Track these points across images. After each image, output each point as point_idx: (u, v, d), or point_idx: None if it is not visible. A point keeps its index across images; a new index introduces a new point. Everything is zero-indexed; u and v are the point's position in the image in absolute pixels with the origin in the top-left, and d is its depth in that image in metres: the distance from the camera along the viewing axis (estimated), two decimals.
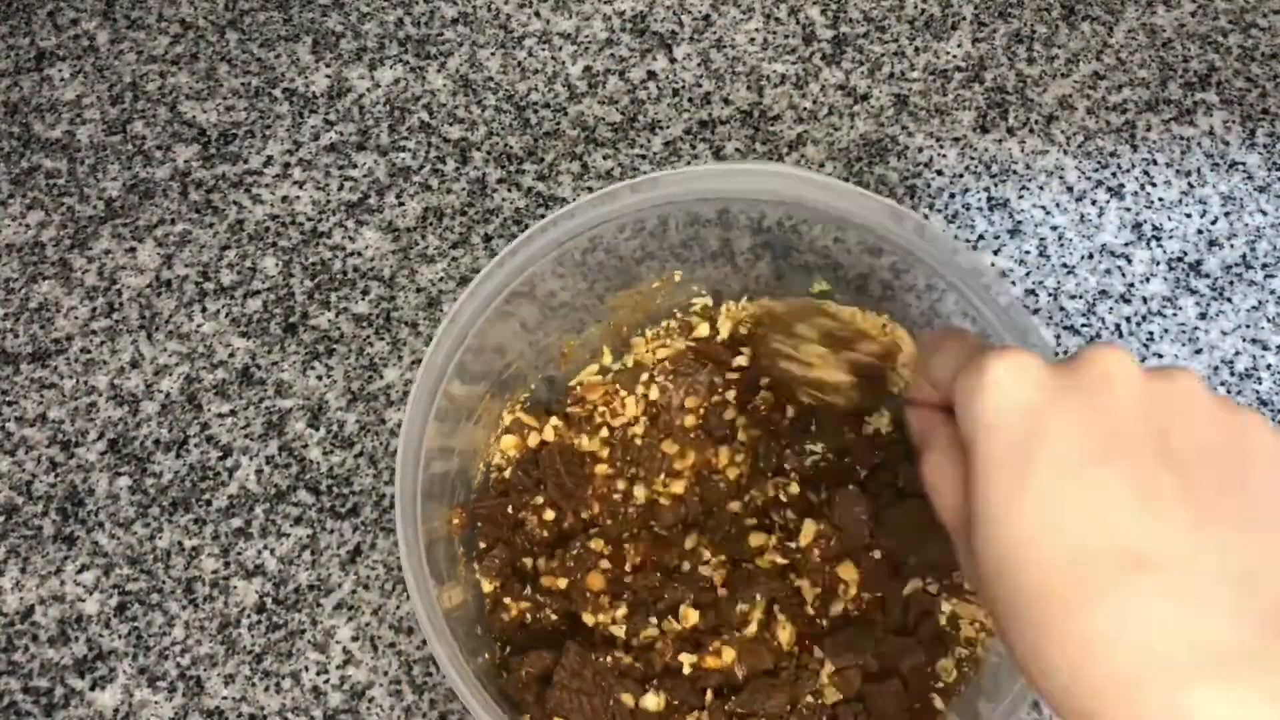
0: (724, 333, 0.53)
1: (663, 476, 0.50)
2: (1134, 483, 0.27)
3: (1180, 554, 0.26)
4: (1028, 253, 0.61)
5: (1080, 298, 0.60)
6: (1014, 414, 0.28)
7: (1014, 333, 0.44)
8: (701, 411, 0.51)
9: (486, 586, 0.48)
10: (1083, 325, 0.59)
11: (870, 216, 0.46)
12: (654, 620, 0.46)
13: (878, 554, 0.47)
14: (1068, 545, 0.27)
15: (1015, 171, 0.63)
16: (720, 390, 0.51)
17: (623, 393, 0.52)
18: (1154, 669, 0.25)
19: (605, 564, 0.48)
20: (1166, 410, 0.28)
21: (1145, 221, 0.62)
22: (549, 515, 0.49)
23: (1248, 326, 0.59)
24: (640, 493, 0.49)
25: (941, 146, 0.63)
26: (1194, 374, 0.29)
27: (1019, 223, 0.61)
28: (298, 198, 0.62)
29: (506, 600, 0.48)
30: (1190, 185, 0.63)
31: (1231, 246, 0.61)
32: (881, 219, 0.46)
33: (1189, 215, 0.62)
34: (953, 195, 0.62)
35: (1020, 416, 0.28)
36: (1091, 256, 0.61)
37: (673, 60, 0.66)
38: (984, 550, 0.28)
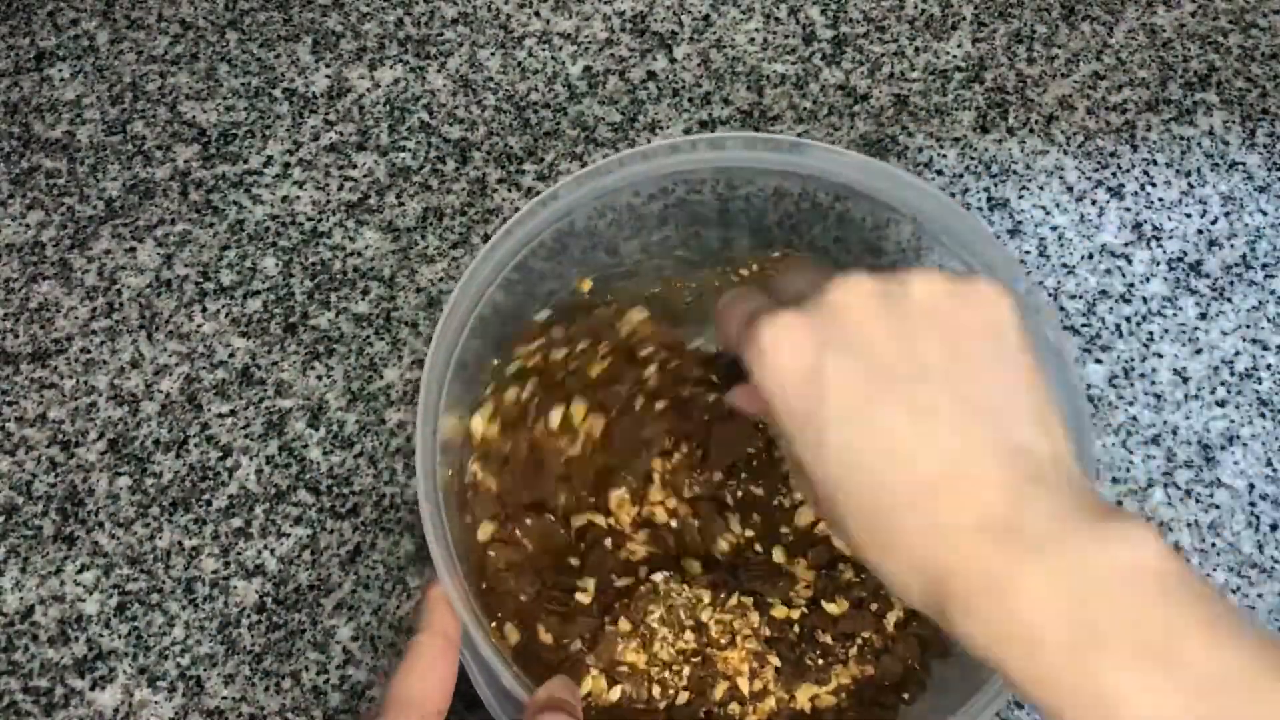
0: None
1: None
2: (906, 403, 0.31)
3: (959, 452, 0.31)
4: (1028, 253, 0.61)
5: (1080, 298, 0.60)
6: (792, 374, 0.32)
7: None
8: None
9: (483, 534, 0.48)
10: (1083, 325, 0.59)
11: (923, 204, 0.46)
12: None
13: None
14: (872, 479, 0.31)
15: (1015, 171, 0.63)
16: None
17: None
18: (959, 544, 0.30)
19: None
20: (912, 318, 0.32)
21: (1145, 221, 0.62)
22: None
23: (1248, 326, 0.59)
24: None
25: (941, 146, 0.63)
26: (924, 273, 0.33)
27: (1019, 223, 0.61)
28: (298, 198, 0.62)
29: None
30: (1190, 185, 0.63)
31: (1231, 246, 0.61)
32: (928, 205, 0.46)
33: (1189, 215, 0.62)
34: (953, 195, 0.62)
35: (798, 378, 0.32)
36: (1091, 256, 0.61)
37: (673, 60, 0.66)
38: (811, 500, 0.33)
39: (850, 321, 0.32)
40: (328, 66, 0.66)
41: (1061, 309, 0.59)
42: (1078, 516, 0.29)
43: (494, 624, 0.45)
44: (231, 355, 0.58)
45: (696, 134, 0.63)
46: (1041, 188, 0.62)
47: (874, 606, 0.47)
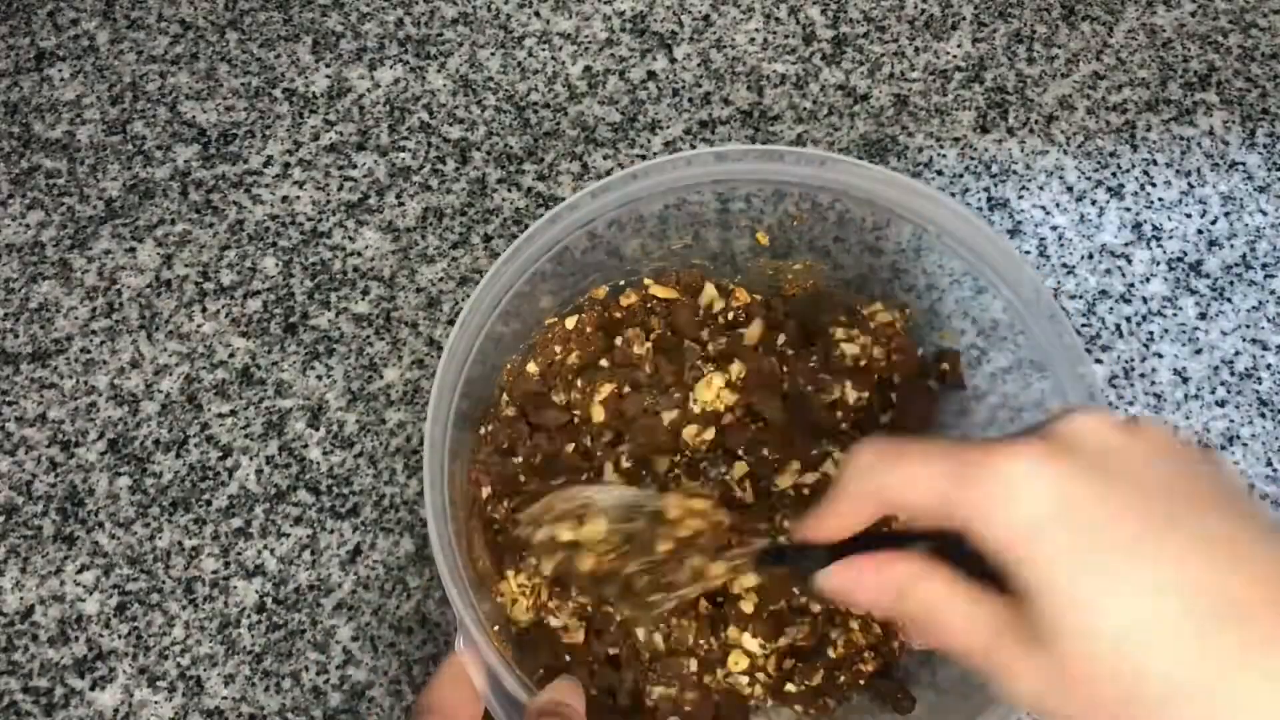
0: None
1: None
2: (1190, 536, 0.27)
3: (1258, 590, 0.27)
4: (1028, 253, 0.61)
5: (1080, 298, 0.59)
6: (1047, 516, 0.28)
7: (1046, 326, 0.44)
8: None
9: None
10: (1083, 325, 0.59)
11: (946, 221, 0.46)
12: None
13: None
14: (1166, 612, 0.27)
15: (1015, 171, 0.63)
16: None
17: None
18: None
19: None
20: (1160, 456, 0.29)
21: (1145, 221, 0.62)
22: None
23: (1248, 326, 0.59)
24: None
25: (941, 146, 0.63)
26: (1155, 420, 0.31)
27: (1019, 223, 0.61)
28: (298, 198, 0.62)
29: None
30: (1190, 185, 0.63)
31: (1231, 246, 0.61)
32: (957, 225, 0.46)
33: (1189, 215, 0.62)
34: (953, 195, 0.62)
35: (1054, 517, 0.28)
36: (1091, 256, 0.61)
37: (673, 60, 0.66)
38: (1079, 650, 0.28)
39: (1100, 454, 0.29)
40: (328, 66, 0.66)
41: (1062, 309, 0.59)
42: None
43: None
44: (231, 355, 0.58)
45: (701, 135, 0.64)
46: (1041, 188, 0.62)
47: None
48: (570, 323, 0.51)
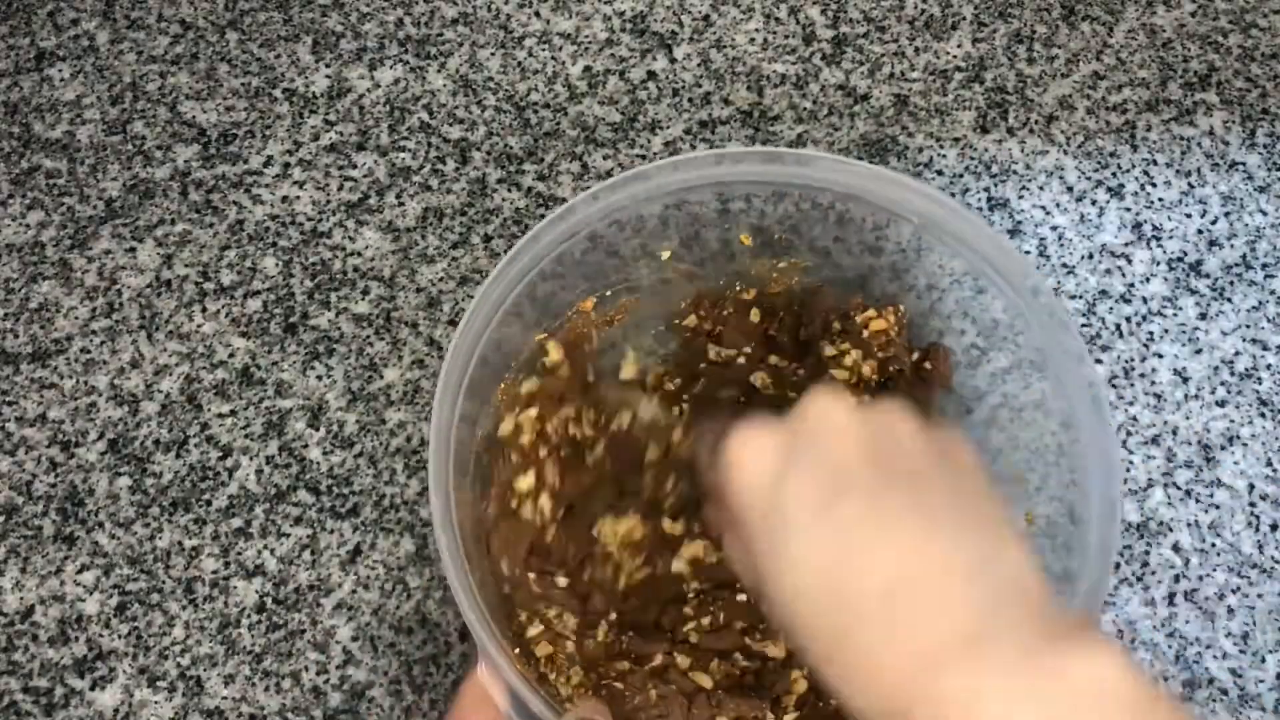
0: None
1: None
2: (868, 509, 0.31)
3: (920, 563, 0.30)
4: (1028, 253, 0.61)
5: (1080, 298, 0.60)
6: (757, 489, 0.33)
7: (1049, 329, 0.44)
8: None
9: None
10: (1083, 325, 0.59)
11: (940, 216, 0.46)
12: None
13: None
14: (830, 586, 0.30)
15: (1015, 171, 0.63)
16: None
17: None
18: (922, 665, 0.29)
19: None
20: (880, 438, 0.33)
21: (1145, 221, 0.62)
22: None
23: (1248, 326, 0.59)
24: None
25: (941, 146, 0.63)
26: (897, 406, 0.34)
27: (1019, 223, 0.61)
28: (298, 198, 0.62)
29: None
30: (1190, 185, 0.63)
31: (1231, 246, 0.61)
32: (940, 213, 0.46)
33: (1189, 215, 0.62)
34: (953, 195, 0.62)
35: (763, 490, 0.33)
36: (1091, 256, 0.61)
37: (673, 60, 0.66)
38: (771, 606, 0.33)
39: (819, 429, 0.33)
40: (328, 66, 0.66)
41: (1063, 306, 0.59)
42: (1043, 638, 0.28)
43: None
44: (231, 355, 0.58)
45: (701, 136, 0.64)
46: (1041, 188, 0.62)
47: None
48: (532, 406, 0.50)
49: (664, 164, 0.46)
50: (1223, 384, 0.57)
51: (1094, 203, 0.62)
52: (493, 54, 0.67)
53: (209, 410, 0.57)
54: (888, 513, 0.31)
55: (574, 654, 0.46)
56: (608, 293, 0.52)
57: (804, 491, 0.32)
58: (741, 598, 0.47)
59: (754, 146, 0.48)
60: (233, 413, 0.57)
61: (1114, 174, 0.63)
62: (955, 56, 0.66)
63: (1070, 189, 0.62)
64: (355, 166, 0.63)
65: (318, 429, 0.56)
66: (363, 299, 0.59)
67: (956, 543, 0.30)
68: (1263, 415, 0.57)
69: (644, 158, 0.63)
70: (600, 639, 0.46)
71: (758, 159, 0.47)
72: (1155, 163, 0.63)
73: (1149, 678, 0.28)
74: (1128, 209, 0.62)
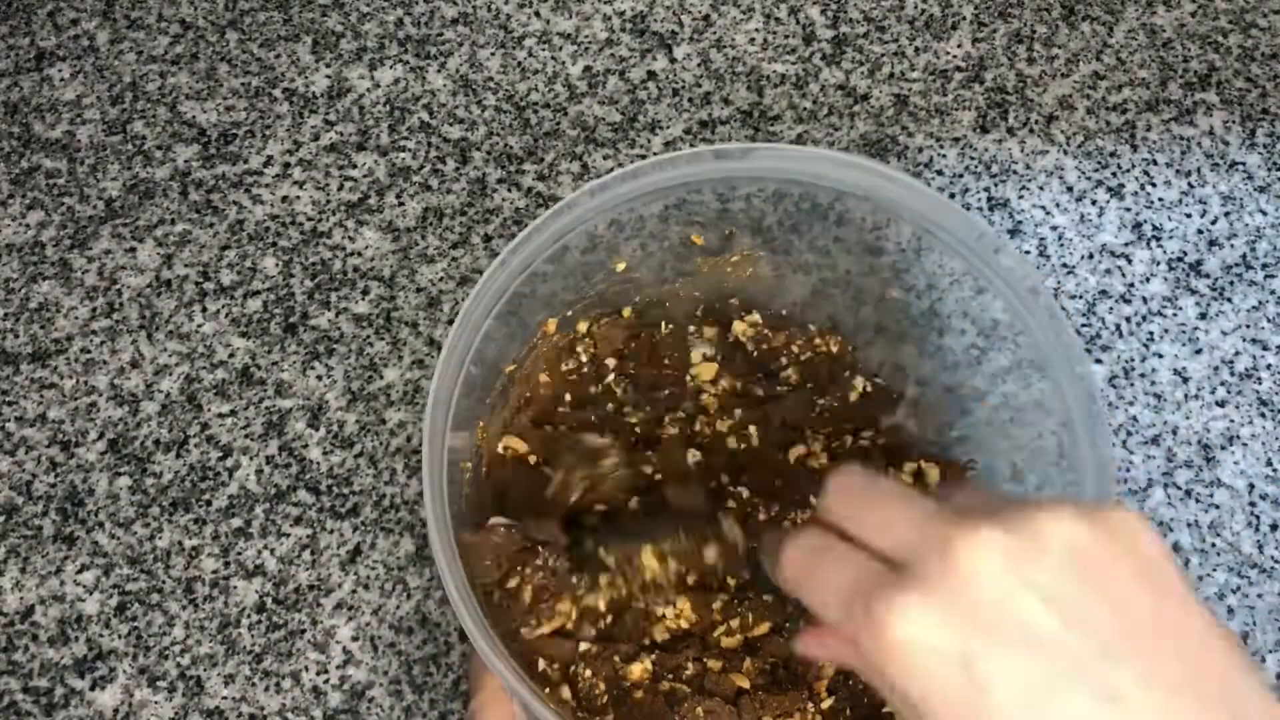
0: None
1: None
2: (1093, 697, 0.26)
3: None
4: (1028, 253, 0.61)
5: (1080, 298, 0.60)
6: (940, 681, 0.27)
7: (1049, 332, 0.44)
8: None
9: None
10: (1083, 325, 0.59)
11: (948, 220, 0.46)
12: None
13: None
14: None
15: (1015, 171, 0.63)
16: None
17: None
18: None
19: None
20: (1062, 583, 0.27)
21: (1145, 221, 0.62)
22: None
23: (1248, 326, 0.59)
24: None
25: (941, 146, 0.63)
26: (1055, 515, 0.28)
27: (1019, 223, 0.61)
28: (298, 198, 0.62)
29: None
30: (1190, 185, 0.63)
31: (1231, 246, 0.61)
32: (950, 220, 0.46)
33: (1189, 215, 0.62)
34: (953, 195, 0.62)
35: (948, 682, 0.27)
36: (1091, 256, 0.61)
37: (673, 60, 0.66)
38: None
39: (992, 598, 0.27)
40: (328, 66, 0.66)
41: (1062, 309, 0.59)
42: None
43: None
44: (231, 355, 0.58)
45: (701, 135, 0.64)
46: (1041, 188, 0.62)
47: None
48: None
49: (613, 177, 0.46)
50: (1223, 384, 0.57)
51: (1094, 203, 0.62)
52: (493, 54, 0.67)
53: (209, 410, 0.57)
54: (1113, 690, 0.26)
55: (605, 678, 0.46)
56: (568, 313, 0.51)
57: (1008, 680, 0.26)
58: (767, 598, 0.46)
59: (694, 149, 0.47)
60: (233, 413, 0.57)
61: (1114, 174, 0.63)
62: (955, 56, 0.66)
63: (1070, 189, 0.62)
64: (355, 166, 0.63)
65: (318, 429, 0.56)
66: (363, 299, 0.59)
67: (1196, 696, 0.26)
68: (1263, 415, 0.57)
69: (644, 158, 0.63)
70: (636, 675, 0.46)
71: (702, 159, 0.46)
72: (1155, 163, 0.63)
73: None
74: (1128, 209, 0.62)
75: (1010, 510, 0.28)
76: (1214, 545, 0.54)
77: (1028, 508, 0.28)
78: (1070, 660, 0.26)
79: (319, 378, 0.58)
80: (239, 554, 0.54)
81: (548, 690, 0.45)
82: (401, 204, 0.62)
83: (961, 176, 0.62)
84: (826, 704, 0.45)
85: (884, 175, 0.46)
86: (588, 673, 0.45)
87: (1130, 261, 0.60)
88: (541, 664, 0.45)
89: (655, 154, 0.63)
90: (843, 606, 0.29)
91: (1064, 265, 0.60)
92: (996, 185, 0.62)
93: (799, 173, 0.47)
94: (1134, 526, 0.28)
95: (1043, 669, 0.26)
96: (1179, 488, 0.55)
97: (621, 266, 0.51)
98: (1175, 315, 0.59)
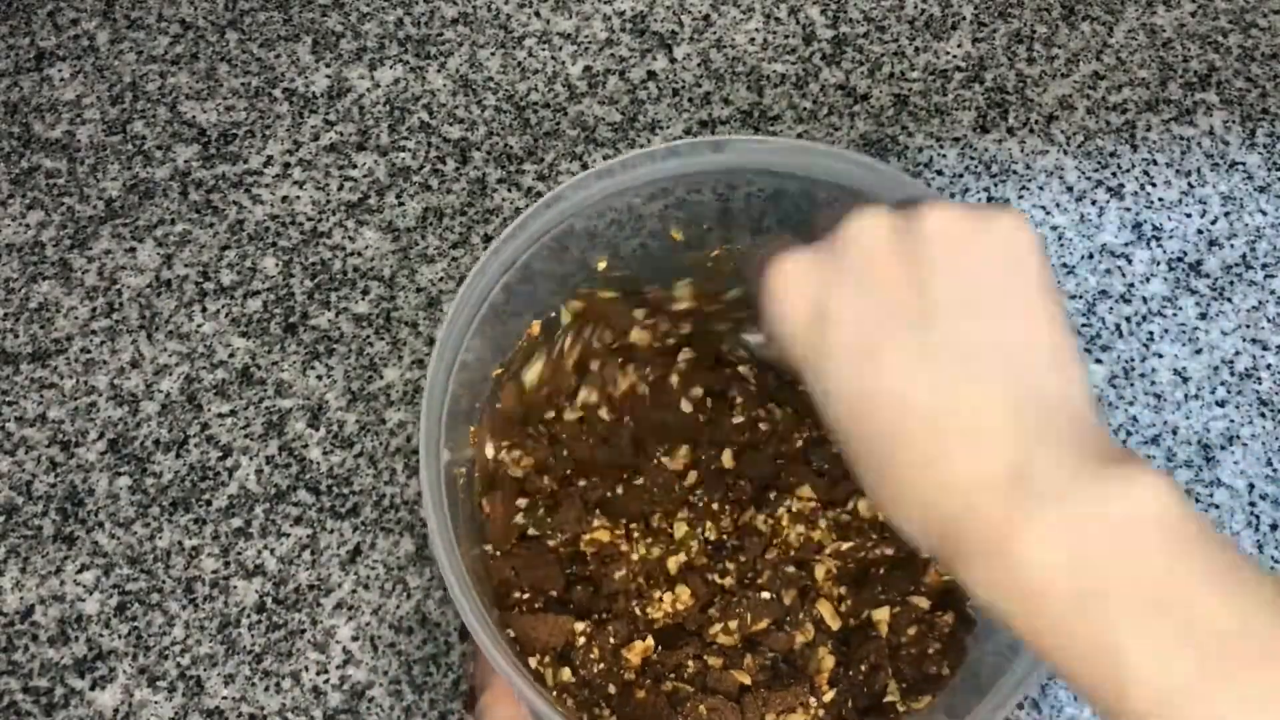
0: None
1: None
2: (915, 351, 0.30)
3: (961, 396, 0.30)
4: None
5: (1080, 298, 0.60)
6: (799, 325, 0.32)
7: None
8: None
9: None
10: (1083, 325, 0.59)
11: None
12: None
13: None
14: (872, 420, 0.31)
15: (1015, 171, 0.63)
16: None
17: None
18: (963, 497, 0.29)
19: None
20: (922, 257, 0.31)
21: (1145, 221, 0.62)
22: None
23: (1248, 326, 0.59)
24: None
25: (941, 146, 0.63)
26: (940, 206, 0.32)
27: None
28: (298, 198, 0.62)
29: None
30: (1190, 185, 0.63)
31: (1231, 246, 0.61)
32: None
33: (1189, 215, 0.62)
34: (953, 195, 0.62)
35: (804, 328, 0.32)
36: (1091, 256, 0.61)
37: (673, 60, 0.66)
38: (826, 421, 0.33)
39: (859, 258, 0.31)
40: (328, 66, 0.66)
41: None
42: (1086, 465, 0.28)
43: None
44: (231, 355, 0.58)
45: (701, 135, 0.64)
46: (1041, 188, 0.62)
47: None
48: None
49: (587, 175, 0.46)
50: (1223, 384, 0.57)
51: (1094, 203, 0.62)
52: (493, 54, 0.67)
53: (209, 410, 0.57)
54: (934, 347, 0.30)
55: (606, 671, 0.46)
56: (552, 313, 0.51)
57: (846, 326, 0.31)
58: (765, 595, 0.46)
59: (666, 144, 0.47)
60: (233, 413, 0.57)
61: (1114, 174, 0.63)
62: (955, 56, 0.66)
63: (1070, 189, 0.62)
64: (355, 166, 0.63)
65: (318, 429, 0.56)
66: (363, 299, 0.59)
67: (1006, 370, 0.30)
68: (1263, 415, 0.57)
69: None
70: (637, 655, 0.46)
71: (674, 154, 0.46)
72: (1155, 163, 0.63)
73: (1194, 507, 0.27)
74: (1128, 209, 0.62)
75: (908, 204, 0.33)
76: None
77: (926, 201, 0.32)
78: (907, 320, 0.31)
79: (319, 378, 0.58)
80: (239, 554, 0.54)
81: (549, 669, 0.45)
82: (401, 204, 0.62)
83: (961, 176, 0.62)
84: (828, 696, 0.45)
85: (870, 168, 0.45)
86: (592, 653, 0.45)
87: (1130, 261, 0.60)
88: (538, 648, 0.45)
89: None
90: (760, 274, 0.34)
91: (1064, 265, 0.60)
92: (996, 185, 0.62)
93: (789, 165, 0.47)
94: (1009, 223, 0.32)
95: (880, 324, 0.31)
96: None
97: (602, 265, 0.51)
98: (1175, 315, 0.59)
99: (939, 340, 0.30)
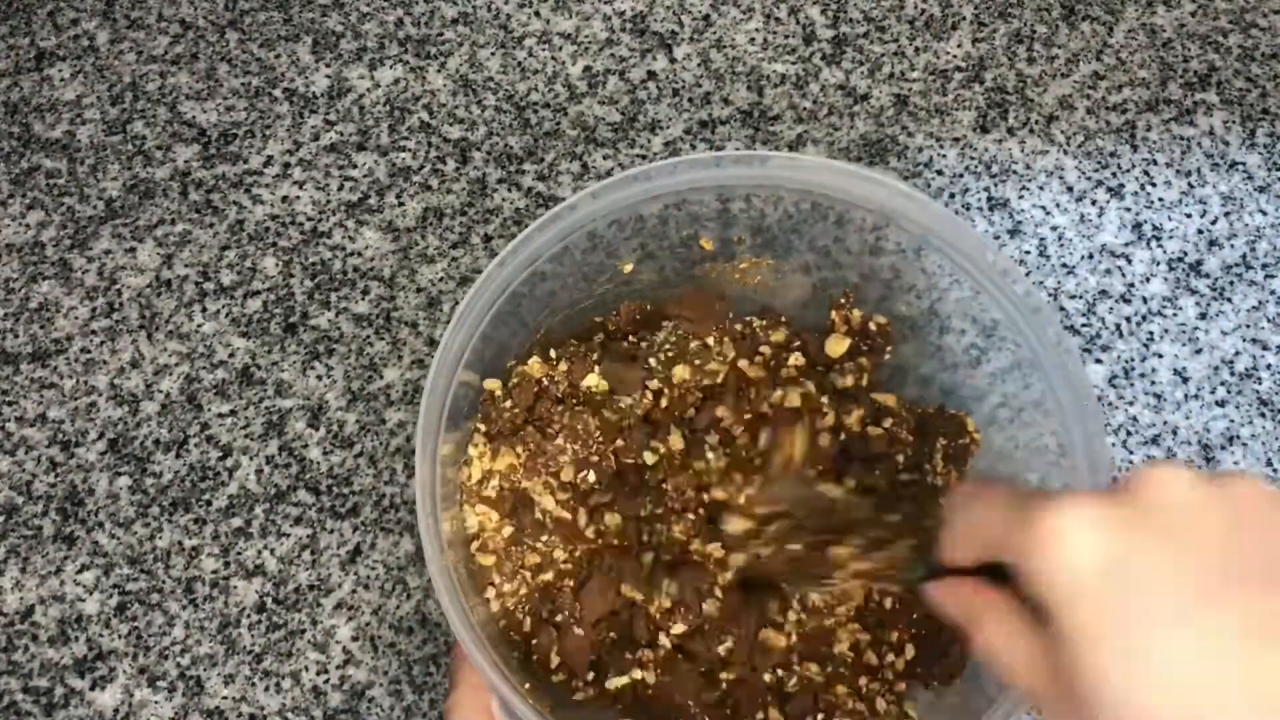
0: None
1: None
2: (1245, 616, 0.25)
3: None
4: (1028, 253, 0.61)
5: (1080, 298, 0.60)
6: (1091, 571, 0.26)
7: (1034, 327, 0.44)
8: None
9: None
10: (1083, 325, 0.59)
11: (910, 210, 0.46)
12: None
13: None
14: (1202, 702, 0.25)
15: (1015, 171, 0.63)
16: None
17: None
18: None
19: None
20: (1243, 522, 0.27)
21: (1145, 221, 0.62)
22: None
23: (1248, 326, 0.59)
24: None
25: (941, 146, 0.63)
26: (1248, 477, 0.28)
27: (1019, 223, 0.61)
28: (298, 198, 0.62)
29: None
30: (1190, 185, 0.63)
31: (1231, 246, 0.61)
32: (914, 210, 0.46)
33: (1189, 215, 0.62)
34: (953, 195, 0.62)
35: (1099, 573, 0.26)
36: (1091, 256, 0.61)
37: (673, 60, 0.66)
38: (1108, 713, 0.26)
39: (1169, 512, 0.27)
40: (328, 66, 0.66)
41: (1061, 309, 0.59)
42: None
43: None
44: (231, 355, 0.58)
45: (702, 135, 0.64)
46: (1041, 188, 0.62)
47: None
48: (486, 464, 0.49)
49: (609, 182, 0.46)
50: (1223, 384, 0.57)
51: (1094, 203, 0.62)
52: (493, 54, 0.67)
53: (209, 410, 0.57)
54: (1270, 622, 0.25)
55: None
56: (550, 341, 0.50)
57: (1158, 585, 0.26)
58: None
59: (699, 153, 0.47)
60: (233, 413, 0.57)
61: (1114, 174, 0.63)
62: (955, 56, 0.66)
63: (1070, 189, 0.62)
64: (355, 166, 0.63)
65: (318, 429, 0.56)
66: (363, 299, 0.59)
67: None
68: (1263, 415, 0.57)
69: (644, 158, 0.63)
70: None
71: (704, 164, 0.46)
72: (1155, 163, 0.63)
73: None
74: (1128, 209, 0.62)
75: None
76: None
77: (1222, 473, 0.28)
78: (1239, 581, 0.26)
79: (319, 378, 0.58)
80: (239, 554, 0.54)
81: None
82: (401, 204, 0.62)
83: (961, 176, 0.62)
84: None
85: (884, 185, 0.46)
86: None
87: (1130, 261, 0.60)
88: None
89: (655, 154, 0.63)
90: (1003, 523, 0.29)
91: (1064, 265, 0.60)
92: (996, 185, 0.62)
93: (803, 182, 0.47)
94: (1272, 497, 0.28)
95: (1191, 583, 0.26)
96: None
97: (628, 268, 0.51)
98: (1175, 315, 0.59)
99: (1275, 616, 0.25)
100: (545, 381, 0.49)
